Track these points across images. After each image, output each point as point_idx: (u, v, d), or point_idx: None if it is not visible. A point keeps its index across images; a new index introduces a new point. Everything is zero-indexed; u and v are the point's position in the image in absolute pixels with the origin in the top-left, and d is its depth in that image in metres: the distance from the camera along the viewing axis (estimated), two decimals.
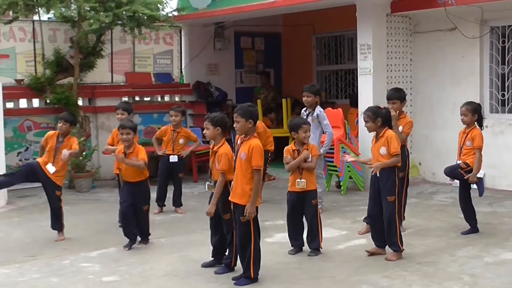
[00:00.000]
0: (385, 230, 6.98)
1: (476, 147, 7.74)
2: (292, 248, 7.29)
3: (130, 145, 7.66)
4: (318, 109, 9.10)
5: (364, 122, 7.13)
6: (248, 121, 6.16)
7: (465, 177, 7.76)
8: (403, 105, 8.06)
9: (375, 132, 7.07)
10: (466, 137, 7.84)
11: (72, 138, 8.29)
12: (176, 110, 9.78)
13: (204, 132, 6.65)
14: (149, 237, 7.81)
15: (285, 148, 7.39)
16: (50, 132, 8.39)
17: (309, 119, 8.74)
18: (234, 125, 6.23)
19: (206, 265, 6.76)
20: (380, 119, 6.96)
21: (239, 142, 6.32)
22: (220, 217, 6.57)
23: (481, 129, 7.90)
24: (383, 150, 6.92)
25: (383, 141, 6.93)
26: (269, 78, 15.10)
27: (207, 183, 6.78)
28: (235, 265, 6.56)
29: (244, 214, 6.05)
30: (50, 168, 8.11)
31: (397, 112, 7.88)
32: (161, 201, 9.75)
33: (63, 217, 8.23)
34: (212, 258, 6.78)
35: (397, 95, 8.04)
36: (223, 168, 6.35)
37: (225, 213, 6.46)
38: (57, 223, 8.19)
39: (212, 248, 6.80)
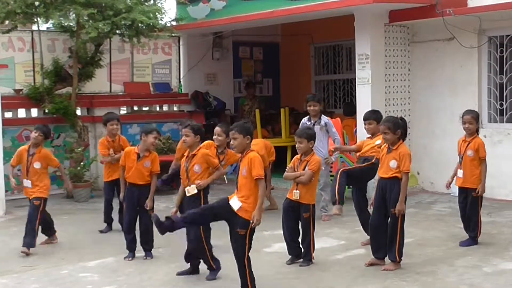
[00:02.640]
0: (387, 240, 6.95)
1: (482, 158, 7.68)
2: (290, 257, 7.28)
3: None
4: (324, 118, 9.20)
5: (383, 134, 6.89)
6: (246, 137, 6.11)
7: (477, 195, 7.70)
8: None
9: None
10: (467, 146, 7.77)
11: (43, 149, 8.19)
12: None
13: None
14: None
15: (294, 157, 7.48)
16: (20, 149, 8.28)
17: (316, 128, 8.78)
18: (231, 142, 6.16)
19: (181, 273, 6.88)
20: (400, 131, 6.83)
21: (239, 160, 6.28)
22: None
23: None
24: (393, 164, 6.79)
25: (395, 155, 6.79)
26: (255, 88, 14.92)
27: (186, 188, 6.79)
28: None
29: (252, 221, 5.91)
30: (27, 183, 8.02)
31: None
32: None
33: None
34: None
35: (374, 116, 7.85)
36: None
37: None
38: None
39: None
